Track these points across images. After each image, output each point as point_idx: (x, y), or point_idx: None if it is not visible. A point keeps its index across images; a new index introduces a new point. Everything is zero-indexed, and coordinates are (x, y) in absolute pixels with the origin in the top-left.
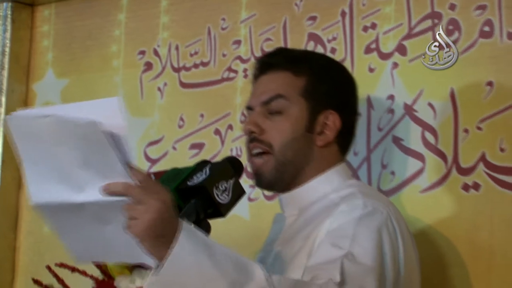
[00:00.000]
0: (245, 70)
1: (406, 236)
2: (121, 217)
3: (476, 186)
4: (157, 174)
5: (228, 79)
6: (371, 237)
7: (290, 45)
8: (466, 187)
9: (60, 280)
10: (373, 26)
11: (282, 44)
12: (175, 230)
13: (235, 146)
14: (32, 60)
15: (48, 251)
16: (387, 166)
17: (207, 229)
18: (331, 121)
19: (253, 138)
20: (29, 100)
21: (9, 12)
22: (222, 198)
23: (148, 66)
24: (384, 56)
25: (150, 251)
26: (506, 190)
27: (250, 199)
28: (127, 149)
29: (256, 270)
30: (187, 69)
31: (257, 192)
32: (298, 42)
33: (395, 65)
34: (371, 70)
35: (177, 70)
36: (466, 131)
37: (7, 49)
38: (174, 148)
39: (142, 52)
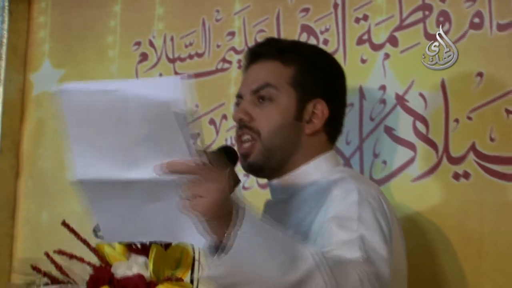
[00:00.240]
0: (239, 61)
1: (395, 222)
2: (171, 195)
3: (466, 175)
4: None
5: (222, 70)
6: (373, 218)
7: (283, 37)
8: (456, 176)
9: (58, 267)
10: (365, 17)
11: (275, 36)
12: (231, 210)
13: (230, 135)
14: (29, 51)
15: (45, 239)
16: (379, 155)
17: None
18: (319, 110)
19: (242, 126)
20: (26, 89)
21: (6, 4)
22: None
23: (144, 56)
24: (376, 47)
25: (212, 230)
26: (495, 179)
27: (244, 188)
28: (190, 128)
29: (303, 250)
30: (182, 60)
31: (252, 181)
32: (291, 33)
33: (387, 56)
34: (363, 61)
35: (172, 61)
36: (456, 121)
37: (5, 40)
38: None
39: (138, 43)
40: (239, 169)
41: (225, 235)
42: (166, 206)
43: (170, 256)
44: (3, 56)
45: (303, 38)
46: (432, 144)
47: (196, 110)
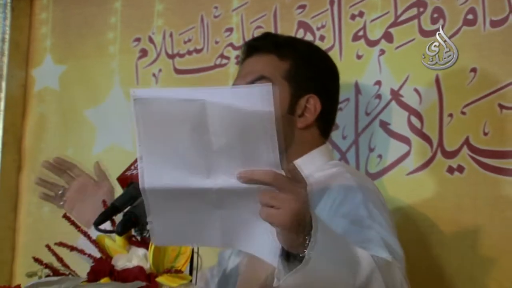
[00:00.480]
0: (237, 57)
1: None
2: (238, 203)
3: (460, 169)
4: None
5: (221, 65)
6: (382, 215)
7: (280, 33)
8: (450, 170)
9: (59, 259)
10: (361, 14)
11: (272, 32)
12: (306, 221)
13: None
14: (31, 47)
15: (46, 231)
16: (375, 150)
17: None
18: (312, 104)
19: None
20: (28, 85)
21: (8, 1)
22: None
23: (144, 52)
24: (371, 43)
25: (286, 240)
26: (489, 172)
27: None
28: (276, 138)
29: (362, 252)
30: (181, 55)
31: None
32: (288, 30)
33: (382, 52)
34: (358, 57)
35: (171, 56)
36: (450, 115)
37: (7, 36)
38: None
39: (138, 39)
40: None
41: (301, 245)
42: (230, 213)
43: (170, 248)
44: (6, 52)
45: (300, 34)
46: (426, 138)
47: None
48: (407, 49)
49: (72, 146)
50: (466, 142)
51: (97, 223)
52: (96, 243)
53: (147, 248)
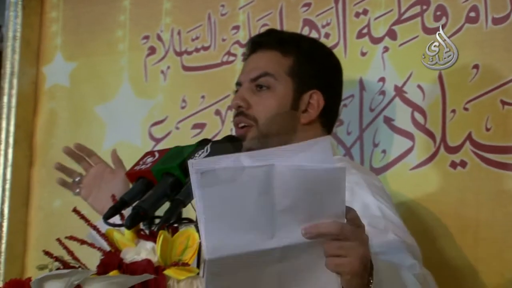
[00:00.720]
0: (243, 54)
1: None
2: (304, 255)
3: (463, 164)
4: (161, 152)
5: (228, 62)
6: (394, 212)
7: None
8: (453, 165)
9: (70, 252)
10: (365, 12)
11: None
12: (369, 266)
13: None
14: (41, 45)
15: (58, 225)
16: (379, 145)
17: None
18: (315, 100)
19: (239, 113)
20: (39, 82)
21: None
22: None
23: (152, 50)
24: (375, 41)
25: (356, 284)
26: (491, 167)
27: None
28: (343, 189)
29: (406, 275)
30: (189, 53)
31: None
32: (294, 27)
33: (386, 49)
34: (363, 54)
35: (179, 54)
36: (453, 111)
37: (18, 34)
38: (177, 128)
39: (146, 37)
40: None
41: (365, 285)
42: (291, 266)
43: (177, 242)
44: (17, 50)
45: (305, 32)
46: (430, 134)
47: None
48: (410, 46)
49: (82, 142)
50: (469, 137)
51: (106, 217)
52: (105, 236)
53: (155, 242)
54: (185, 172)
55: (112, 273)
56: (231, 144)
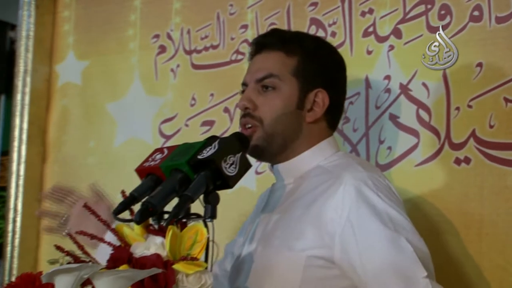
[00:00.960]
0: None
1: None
2: None
3: (467, 160)
4: (170, 149)
5: (236, 61)
6: (402, 216)
7: (293, 29)
8: (457, 161)
9: (80, 247)
10: (371, 11)
11: (285, 28)
12: None
13: None
14: (54, 43)
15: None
16: (384, 142)
17: (215, 199)
18: (320, 98)
19: (246, 114)
20: (52, 80)
21: None
22: (230, 170)
23: (162, 49)
24: (381, 39)
25: None
26: (494, 163)
27: (257, 172)
28: None
29: None
30: (198, 51)
31: (264, 166)
32: (301, 26)
33: (391, 47)
34: (368, 52)
35: (188, 52)
36: (457, 109)
37: (32, 33)
38: (186, 125)
39: (157, 36)
40: None
41: None
42: None
43: (186, 237)
44: (30, 48)
45: (312, 31)
46: (434, 131)
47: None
48: (415, 44)
49: (94, 139)
50: (473, 134)
51: (116, 212)
52: (115, 231)
53: (164, 237)
54: (194, 169)
55: (122, 268)
56: (239, 141)
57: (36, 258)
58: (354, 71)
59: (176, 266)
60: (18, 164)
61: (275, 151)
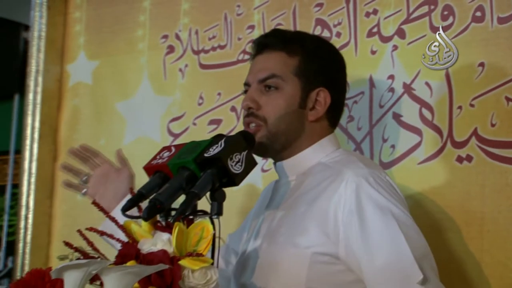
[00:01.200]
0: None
1: (403, 201)
2: None
3: (469, 158)
4: (177, 147)
5: (243, 60)
6: (402, 208)
7: (299, 30)
8: (459, 159)
9: (90, 243)
10: (375, 12)
11: (291, 29)
12: None
13: None
14: (65, 44)
15: (80, 217)
16: (388, 140)
17: (222, 196)
18: (322, 97)
19: (250, 114)
20: (63, 80)
21: (44, 0)
22: (236, 168)
23: (171, 49)
24: (385, 39)
25: None
26: (496, 161)
27: (263, 170)
28: None
29: None
30: (206, 51)
31: (270, 164)
32: (306, 26)
33: (395, 47)
34: (373, 52)
35: (196, 52)
36: (460, 108)
37: (43, 34)
38: (194, 123)
39: (165, 36)
40: None
41: None
42: None
43: (192, 233)
44: (42, 49)
45: (317, 31)
46: (437, 129)
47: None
48: (418, 44)
49: (104, 137)
50: (475, 133)
51: (124, 209)
52: (123, 228)
53: (171, 233)
54: (200, 166)
55: (129, 263)
56: (244, 139)
57: (47, 255)
58: (358, 71)
59: (182, 262)
60: (30, 162)
61: (278, 148)
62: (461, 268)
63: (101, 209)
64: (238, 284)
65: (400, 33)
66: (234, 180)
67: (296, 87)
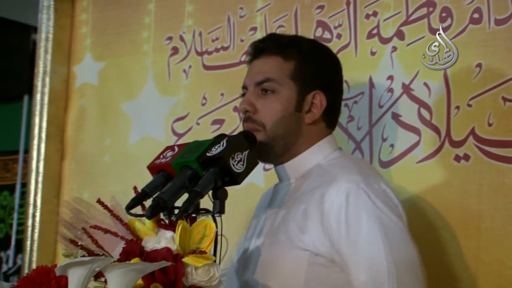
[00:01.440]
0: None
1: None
2: None
3: (466, 157)
4: (180, 146)
5: (246, 62)
6: (393, 217)
7: (300, 31)
8: (457, 158)
9: (94, 241)
10: (375, 14)
11: (293, 31)
12: None
13: None
14: (72, 45)
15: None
16: (387, 140)
17: (224, 195)
18: (318, 100)
19: (247, 118)
20: (70, 80)
21: (52, 3)
22: (238, 167)
23: (175, 50)
24: (384, 41)
25: None
26: (493, 160)
27: (265, 169)
28: None
29: None
30: (209, 53)
31: None
32: (308, 28)
33: (394, 48)
34: (372, 53)
35: (200, 54)
36: (457, 108)
37: (51, 35)
38: (198, 123)
39: (170, 38)
40: None
41: None
42: None
43: (195, 231)
44: (49, 50)
45: (318, 32)
46: (435, 129)
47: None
48: (417, 46)
49: (110, 137)
50: (472, 132)
51: (128, 208)
52: (127, 226)
53: (174, 231)
54: (203, 165)
55: (133, 261)
56: (246, 139)
57: (54, 252)
58: (358, 72)
59: (185, 259)
60: (38, 161)
61: (277, 153)
62: (458, 264)
63: (106, 207)
64: (241, 281)
65: (399, 35)
66: (236, 179)
67: (292, 91)
